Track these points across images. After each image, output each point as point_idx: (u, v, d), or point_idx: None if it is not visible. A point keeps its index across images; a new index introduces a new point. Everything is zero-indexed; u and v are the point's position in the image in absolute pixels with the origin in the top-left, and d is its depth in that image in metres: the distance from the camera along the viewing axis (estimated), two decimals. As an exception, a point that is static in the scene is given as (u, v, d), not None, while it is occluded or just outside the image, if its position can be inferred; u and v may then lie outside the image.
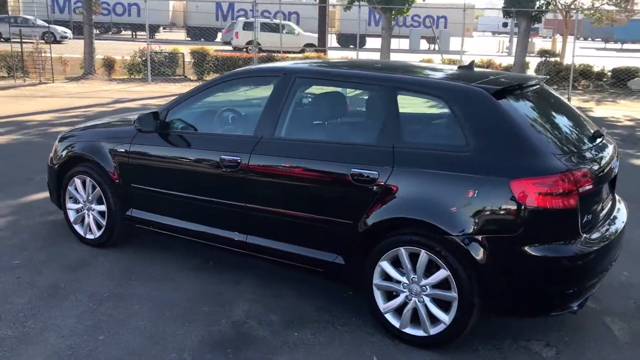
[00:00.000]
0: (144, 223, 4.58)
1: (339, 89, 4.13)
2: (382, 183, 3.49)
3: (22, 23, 28.50)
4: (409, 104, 3.72)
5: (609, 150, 3.82)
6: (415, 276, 3.47)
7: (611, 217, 3.76)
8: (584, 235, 3.31)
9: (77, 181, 4.85)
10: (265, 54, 19.39)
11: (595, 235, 3.42)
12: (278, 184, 3.88)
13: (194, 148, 4.22)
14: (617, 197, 4.20)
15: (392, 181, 3.47)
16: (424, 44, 38.19)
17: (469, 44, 41.09)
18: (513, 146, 3.29)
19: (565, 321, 3.87)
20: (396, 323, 3.57)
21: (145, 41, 18.71)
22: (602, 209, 3.60)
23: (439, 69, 4.30)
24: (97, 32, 40.94)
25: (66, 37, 32.07)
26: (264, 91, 4.20)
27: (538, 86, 4.04)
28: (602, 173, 3.56)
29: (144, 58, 18.29)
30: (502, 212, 3.22)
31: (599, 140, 3.78)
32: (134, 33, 39.95)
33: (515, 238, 3.20)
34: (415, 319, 3.53)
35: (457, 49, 37.40)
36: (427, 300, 3.46)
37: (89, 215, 4.85)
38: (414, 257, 3.46)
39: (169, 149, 4.33)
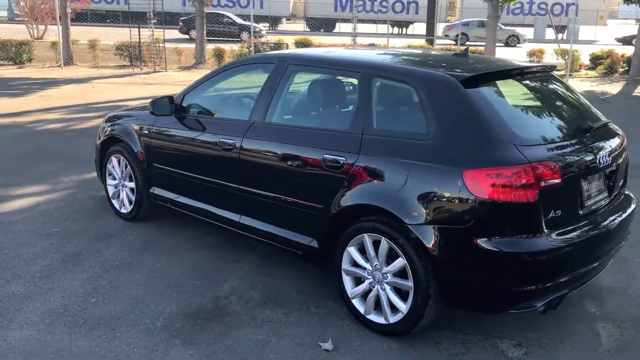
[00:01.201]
0: (162, 200, 4.92)
1: (331, 76, 4.17)
2: (349, 169, 3.53)
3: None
4: (386, 92, 3.72)
5: (605, 143, 3.57)
6: (378, 263, 3.48)
7: (599, 214, 3.51)
8: (548, 230, 3.15)
9: (114, 159, 5.29)
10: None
11: (565, 232, 3.23)
12: (263, 167, 4.03)
13: (200, 131, 4.47)
14: (626, 194, 3.92)
15: (358, 168, 3.49)
16: (550, 33, 36.22)
17: (602, 33, 38.50)
18: (471, 136, 3.20)
19: (549, 322, 3.70)
20: (361, 309, 3.60)
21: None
22: (584, 205, 3.38)
23: (427, 55, 4.22)
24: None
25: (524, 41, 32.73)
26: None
27: (539, 74, 3.85)
28: (584, 167, 3.35)
29: (250, 48, 19.06)
30: (455, 202, 3.14)
31: (592, 133, 3.55)
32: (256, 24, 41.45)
33: (467, 230, 3.12)
34: (379, 306, 3.54)
35: (589, 38, 35.20)
36: (387, 288, 3.47)
37: (122, 191, 5.28)
38: (377, 245, 3.47)
39: (180, 132, 4.61)
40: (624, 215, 3.68)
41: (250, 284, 4.17)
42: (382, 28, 37.71)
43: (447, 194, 3.16)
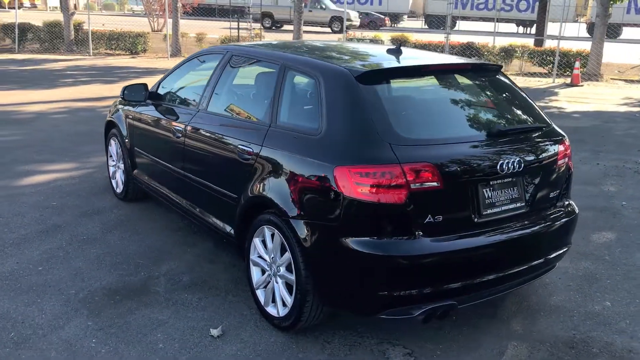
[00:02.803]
0: (140, 182, 5.19)
1: (261, 68, 4.16)
2: (254, 161, 3.55)
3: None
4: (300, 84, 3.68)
5: (521, 148, 3.29)
6: (274, 256, 3.48)
7: (507, 225, 3.24)
8: (422, 235, 2.98)
9: (112, 142, 5.65)
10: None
11: (447, 239, 3.04)
12: (199, 154, 4.14)
13: (164, 118, 4.66)
14: (565, 205, 3.59)
15: (260, 160, 3.51)
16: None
17: None
18: (349, 132, 3.10)
19: (459, 335, 3.51)
20: (262, 300, 3.61)
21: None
22: (481, 213, 3.14)
23: (354, 50, 4.09)
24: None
25: None
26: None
27: (471, 72, 3.66)
28: (480, 172, 3.12)
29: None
30: (327, 199, 3.06)
31: (505, 137, 3.28)
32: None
33: (336, 228, 3.03)
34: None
35: None
36: (280, 281, 3.45)
37: (118, 172, 5.62)
38: (274, 237, 3.46)
39: (150, 118, 4.84)
40: (545, 229, 3.38)
41: (188, 268, 4.30)
42: (505, 27, 36.29)
43: (321, 191, 3.09)
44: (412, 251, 2.96)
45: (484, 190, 3.15)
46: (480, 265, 3.16)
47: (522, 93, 3.74)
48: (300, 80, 3.58)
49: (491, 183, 3.18)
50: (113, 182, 5.76)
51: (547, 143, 3.46)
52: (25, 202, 5.56)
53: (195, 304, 3.80)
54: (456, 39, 20.63)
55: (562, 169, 3.54)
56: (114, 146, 5.64)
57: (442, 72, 3.61)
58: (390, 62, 3.52)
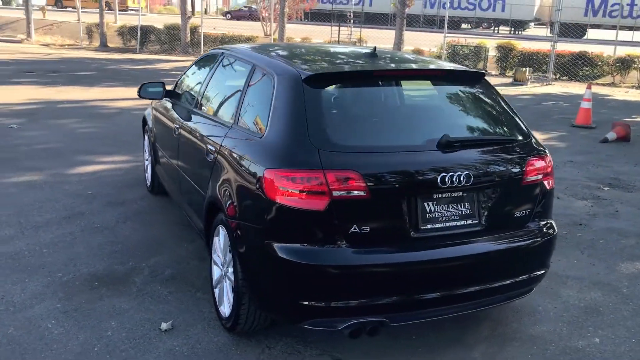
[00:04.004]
0: (159, 176, 5.38)
1: (241, 68, 4.10)
2: (214, 161, 3.56)
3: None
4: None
5: (474, 160, 3.05)
6: (224, 256, 3.47)
7: (455, 243, 3.00)
8: (346, 245, 2.84)
9: (145, 137, 5.92)
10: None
11: (376, 252, 2.87)
12: (185, 151, 4.24)
13: (172, 115, 4.81)
14: (536, 226, 3.27)
15: (218, 160, 3.52)
16: None
17: None
18: (284, 135, 3.02)
19: (412, 356, 3.31)
20: (217, 298, 3.62)
21: (442, 32, 19.01)
22: (419, 227, 2.93)
23: (325, 52, 3.94)
24: (468, 26, 42.47)
25: None
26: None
27: (441, 78, 3.46)
28: (418, 183, 2.92)
29: (449, 51, 18.72)
30: (256, 202, 3.02)
31: (456, 148, 3.04)
32: (495, 28, 40.03)
33: (262, 231, 2.98)
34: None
35: None
36: (228, 281, 3.44)
37: (149, 166, 5.88)
38: (225, 237, 3.45)
39: (164, 115, 5.01)
40: (505, 251, 3.09)
41: (176, 262, 4.39)
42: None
43: (254, 193, 3.04)
44: (331, 261, 2.83)
45: (425, 203, 2.95)
46: (416, 283, 2.95)
47: (504, 104, 3.45)
48: (262, 80, 3.54)
49: (434, 196, 2.96)
50: (146, 175, 6.03)
51: (513, 157, 3.17)
52: (66, 189, 5.96)
53: (163, 298, 3.88)
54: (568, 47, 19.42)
55: (534, 186, 3.22)
56: (146, 141, 5.90)
57: (401, 78, 3.41)
58: (349, 65, 3.39)
